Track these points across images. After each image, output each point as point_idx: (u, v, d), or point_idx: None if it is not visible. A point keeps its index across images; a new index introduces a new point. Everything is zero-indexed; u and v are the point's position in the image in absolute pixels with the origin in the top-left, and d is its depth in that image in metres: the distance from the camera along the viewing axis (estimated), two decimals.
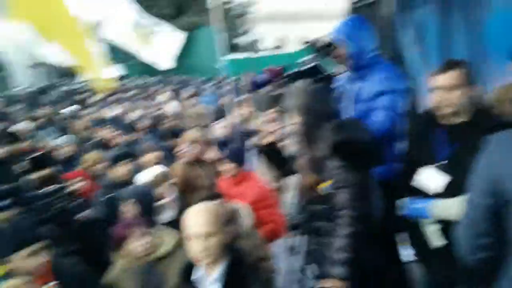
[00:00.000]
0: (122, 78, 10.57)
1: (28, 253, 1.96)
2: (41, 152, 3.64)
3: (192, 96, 8.80)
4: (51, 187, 2.75)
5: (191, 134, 3.69)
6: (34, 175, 3.31)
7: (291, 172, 2.83)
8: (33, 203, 2.57)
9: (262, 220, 2.91)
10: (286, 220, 2.94)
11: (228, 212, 2.50)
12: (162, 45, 8.33)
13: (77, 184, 3.26)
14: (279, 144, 2.75)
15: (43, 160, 3.39)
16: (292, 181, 3.13)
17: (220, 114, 5.83)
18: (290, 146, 2.73)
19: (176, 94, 9.89)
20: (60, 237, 2.50)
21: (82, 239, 2.76)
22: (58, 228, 2.57)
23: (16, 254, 1.95)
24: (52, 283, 1.92)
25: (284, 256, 2.43)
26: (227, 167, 3.09)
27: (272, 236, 2.96)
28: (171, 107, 8.12)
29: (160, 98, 9.11)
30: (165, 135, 5.41)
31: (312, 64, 2.37)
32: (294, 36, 30.53)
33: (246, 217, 2.64)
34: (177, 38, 8.83)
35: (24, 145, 4.73)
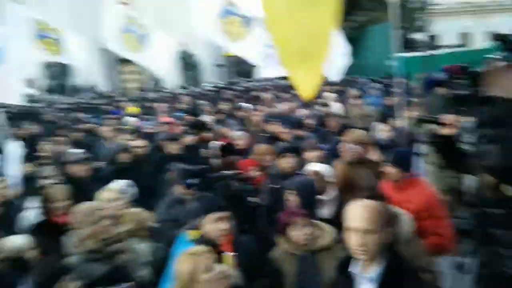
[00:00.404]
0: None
1: (216, 218, 2.34)
2: (228, 142, 4.27)
3: (357, 96, 8.70)
4: (231, 172, 3.19)
5: (355, 134, 3.71)
6: (218, 160, 3.91)
7: (467, 171, 2.52)
8: (215, 183, 3.04)
9: (427, 231, 2.73)
10: (454, 232, 2.67)
11: (389, 214, 2.45)
12: (332, 57, 8.35)
13: (250, 172, 3.69)
14: (457, 140, 2.44)
15: (228, 148, 3.97)
16: (468, 181, 2.78)
17: (385, 115, 5.63)
18: (468, 143, 2.44)
19: (342, 94, 9.92)
20: (235, 215, 2.88)
21: (251, 220, 3.11)
22: (233, 208, 2.96)
23: (206, 218, 2.35)
24: (230, 253, 2.24)
25: (451, 274, 2.22)
26: (391, 171, 3.01)
27: (437, 250, 2.76)
28: (336, 106, 8.20)
29: (326, 97, 9.29)
30: (329, 133, 5.53)
31: (508, 62, 2.09)
32: (479, 32, 26.74)
33: (408, 225, 2.53)
34: (341, 50, 8.76)
35: (209, 134, 5.54)
